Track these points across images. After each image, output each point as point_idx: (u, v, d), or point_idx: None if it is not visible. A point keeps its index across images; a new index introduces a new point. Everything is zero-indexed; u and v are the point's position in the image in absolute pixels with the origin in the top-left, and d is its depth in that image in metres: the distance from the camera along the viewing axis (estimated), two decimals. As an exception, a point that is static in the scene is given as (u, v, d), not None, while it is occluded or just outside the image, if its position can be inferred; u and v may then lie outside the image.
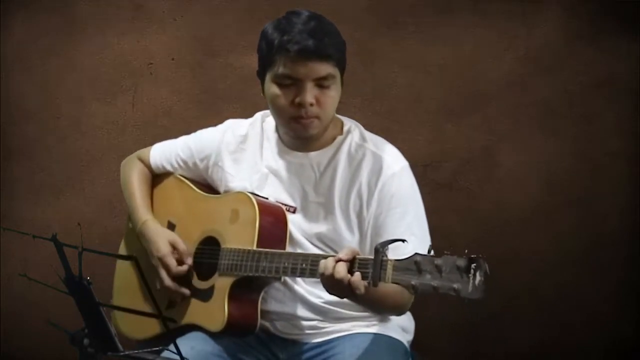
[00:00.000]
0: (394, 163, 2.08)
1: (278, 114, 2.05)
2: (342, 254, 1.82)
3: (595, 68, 3.07)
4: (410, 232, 2.05)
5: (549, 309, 3.11)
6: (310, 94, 1.98)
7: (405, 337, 2.18)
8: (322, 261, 1.84)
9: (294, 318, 2.11)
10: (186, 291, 2.13)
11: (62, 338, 1.70)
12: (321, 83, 1.99)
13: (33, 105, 3.24)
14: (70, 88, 3.23)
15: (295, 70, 1.97)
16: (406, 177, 2.09)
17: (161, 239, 2.18)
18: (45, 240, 1.64)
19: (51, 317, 1.92)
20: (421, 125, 3.13)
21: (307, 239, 2.09)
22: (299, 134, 2.06)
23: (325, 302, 2.09)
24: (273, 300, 2.10)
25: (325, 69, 1.98)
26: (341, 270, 1.79)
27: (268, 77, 2.03)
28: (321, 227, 2.08)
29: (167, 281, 2.15)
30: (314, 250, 2.08)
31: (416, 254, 1.70)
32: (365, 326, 2.12)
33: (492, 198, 3.13)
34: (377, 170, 2.06)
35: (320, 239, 2.08)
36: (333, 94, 2.01)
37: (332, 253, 2.07)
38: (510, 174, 3.12)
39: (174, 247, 2.17)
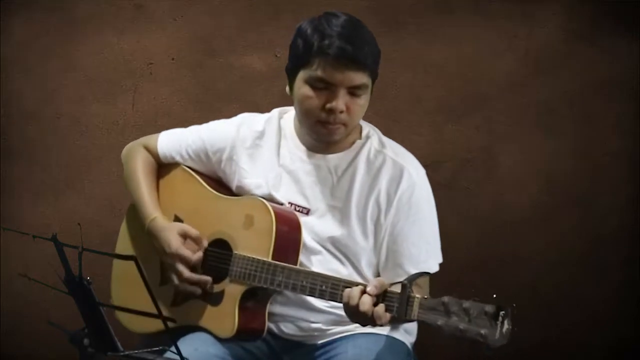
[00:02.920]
0: (414, 171, 2.08)
1: (306, 115, 2.03)
2: (370, 288, 1.80)
3: (595, 68, 3.07)
4: (424, 241, 2.08)
5: (549, 309, 3.11)
6: (342, 100, 1.97)
7: (408, 339, 2.17)
8: (347, 290, 1.84)
9: (298, 321, 2.10)
10: (208, 278, 2.07)
11: (62, 338, 1.70)
12: (354, 91, 1.98)
13: (33, 105, 3.24)
14: (70, 88, 3.23)
15: (331, 76, 1.96)
16: (424, 186, 2.10)
17: (171, 234, 2.12)
18: (45, 240, 1.64)
19: (51, 317, 1.93)
20: (421, 125, 3.13)
21: (319, 242, 2.08)
22: (323, 138, 2.05)
23: (330, 307, 2.08)
24: (278, 303, 2.09)
25: (360, 78, 1.97)
26: (367, 302, 1.79)
27: (300, 76, 2.01)
28: (335, 231, 2.07)
29: (187, 273, 2.08)
30: (326, 254, 2.08)
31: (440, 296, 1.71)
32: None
33: (492, 198, 3.13)
34: (397, 178, 2.06)
35: (332, 242, 2.08)
36: (363, 103, 2.01)
37: (343, 257, 2.08)
38: (510, 174, 3.12)
39: (185, 237, 2.12)
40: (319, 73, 1.97)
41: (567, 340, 3.12)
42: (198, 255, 2.10)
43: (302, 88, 2.01)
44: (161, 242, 2.14)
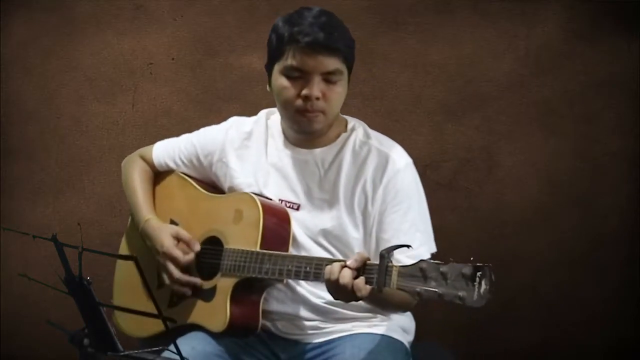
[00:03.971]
0: (399, 159, 2.08)
1: (284, 106, 2.05)
2: (350, 261, 1.80)
3: (595, 68, 3.07)
4: (415, 229, 2.06)
5: (549, 309, 3.11)
6: (317, 87, 1.98)
7: (406, 338, 2.17)
8: (328, 267, 1.84)
9: (295, 318, 2.11)
10: (197, 280, 2.12)
11: (62, 338, 1.70)
12: (329, 78, 2.00)
13: (33, 105, 3.24)
14: (70, 88, 3.23)
15: (304, 63, 1.98)
16: (410, 174, 2.09)
17: (164, 234, 2.17)
18: (45, 240, 1.64)
19: (51, 317, 1.93)
20: (421, 125, 3.13)
21: (310, 237, 2.08)
22: (304, 128, 2.06)
23: (326, 303, 2.09)
24: (274, 301, 2.10)
25: (333, 63, 1.98)
26: (346, 275, 1.79)
27: (276, 69, 2.03)
28: (326, 224, 2.08)
29: (177, 273, 2.12)
30: (318, 249, 2.08)
31: (422, 260, 1.69)
32: (366, 326, 2.12)
33: (492, 198, 3.13)
34: (382, 166, 2.06)
35: (324, 235, 2.08)
36: (339, 90, 2.02)
37: (336, 250, 2.08)
38: (510, 174, 3.12)
39: (177, 239, 2.16)
40: (292, 62, 1.99)
41: (567, 340, 3.12)
42: (189, 257, 2.14)
43: (278, 80, 2.03)
44: (154, 242, 2.18)
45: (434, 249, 2.10)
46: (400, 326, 2.16)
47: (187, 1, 3.19)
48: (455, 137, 3.13)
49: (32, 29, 3.21)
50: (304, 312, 2.10)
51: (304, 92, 1.99)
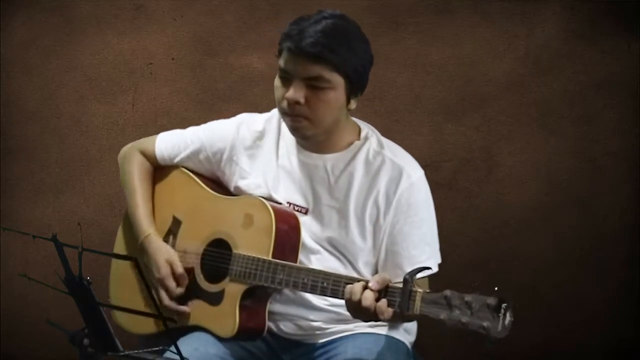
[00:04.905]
0: (412, 172, 2.07)
1: (277, 105, 2.05)
2: (372, 283, 1.81)
3: (595, 68, 3.07)
4: (425, 242, 2.07)
5: (549, 309, 3.11)
6: (298, 92, 1.96)
7: (408, 338, 2.17)
8: (349, 286, 1.84)
9: (297, 319, 2.10)
10: (186, 309, 2.11)
11: (62, 338, 1.70)
12: (312, 84, 1.96)
13: (33, 105, 3.24)
14: (70, 88, 3.23)
15: (288, 65, 1.98)
16: (423, 187, 2.09)
17: (160, 258, 2.15)
18: (45, 240, 1.64)
19: (51, 317, 1.92)
20: (421, 125, 3.13)
21: (317, 242, 2.08)
22: (293, 133, 2.06)
23: (329, 305, 2.08)
24: (277, 302, 2.09)
25: (316, 70, 1.95)
26: (369, 297, 1.79)
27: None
28: (333, 232, 2.07)
29: (167, 301, 2.13)
30: (324, 254, 2.08)
31: (442, 289, 1.71)
32: (368, 326, 2.10)
33: (492, 198, 3.13)
34: (396, 179, 2.04)
35: (330, 242, 2.07)
36: (327, 98, 1.97)
37: (342, 257, 2.08)
38: (510, 174, 3.12)
39: (171, 268, 2.14)
40: (281, 62, 2.00)
41: (567, 340, 3.12)
42: (180, 290, 2.13)
43: (275, 78, 2.03)
44: (151, 264, 2.17)
45: (439, 260, 2.11)
46: (402, 326, 2.15)
47: (187, 1, 3.19)
48: (455, 137, 3.13)
49: (32, 29, 3.21)
50: (306, 314, 2.10)
51: (286, 94, 1.98)
